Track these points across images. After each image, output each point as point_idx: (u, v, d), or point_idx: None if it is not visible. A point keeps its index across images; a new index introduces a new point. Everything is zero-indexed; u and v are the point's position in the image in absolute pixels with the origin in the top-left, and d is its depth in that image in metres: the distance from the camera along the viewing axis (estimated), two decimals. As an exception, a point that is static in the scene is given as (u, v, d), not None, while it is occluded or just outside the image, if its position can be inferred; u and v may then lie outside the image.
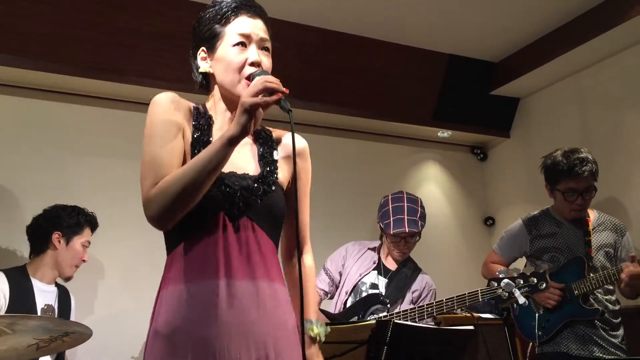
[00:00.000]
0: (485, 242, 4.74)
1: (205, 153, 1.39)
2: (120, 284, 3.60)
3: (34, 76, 3.51)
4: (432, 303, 2.87)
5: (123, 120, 3.79)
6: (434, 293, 3.14)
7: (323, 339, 1.59)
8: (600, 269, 2.93)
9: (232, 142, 1.39)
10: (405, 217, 3.03)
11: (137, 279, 3.54)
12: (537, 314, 2.96)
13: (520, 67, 4.31)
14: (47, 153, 3.59)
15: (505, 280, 2.54)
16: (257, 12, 1.61)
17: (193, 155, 1.49)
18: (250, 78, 1.51)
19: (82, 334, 2.26)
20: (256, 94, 1.38)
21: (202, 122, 1.56)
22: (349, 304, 3.07)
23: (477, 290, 2.72)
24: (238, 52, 1.55)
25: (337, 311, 3.09)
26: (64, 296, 3.03)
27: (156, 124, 1.49)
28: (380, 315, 2.95)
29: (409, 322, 2.78)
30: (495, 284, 2.59)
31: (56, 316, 2.90)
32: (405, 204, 3.08)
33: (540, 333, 2.94)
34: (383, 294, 3.04)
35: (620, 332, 2.97)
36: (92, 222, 3.09)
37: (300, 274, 1.40)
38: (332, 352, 2.16)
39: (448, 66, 4.38)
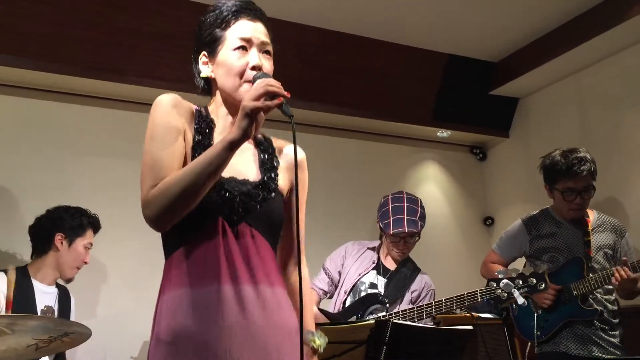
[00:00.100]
0: (485, 242, 4.74)
1: (205, 156, 1.39)
2: (120, 284, 3.60)
3: (34, 76, 3.52)
4: (431, 303, 2.88)
5: (123, 120, 3.79)
6: (433, 293, 3.14)
7: (323, 350, 1.59)
8: (599, 269, 2.93)
9: (232, 146, 1.38)
10: (405, 217, 3.03)
11: (137, 279, 3.54)
12: (535, 314, 2.96)
13: (520, 67, 4.31)
14: (47, 153, 3.60)
15: (505, 281, 2.54)
16: (257, 15, 1.60)
17: (194, 158, 1.48)
18: (249, 83, 1.51)
19: (81, 334, 2.26)
20: (257, 98, 1.37)
21: (203, 126, 1.55)
22: (348, 303, 3.07)
23: (476, 291, 2.73)
24: (239, 56, 1.54)
25: (336, 311, 3.09)
26: (64, 297, 3.03)
27: (158, 125, 1.48)
28: (379, 315, 2.95)
29: (408, 322, 2.78)
30: (495, 285, 2.60)
31: (56, 317, 2.90)
32: (405, 204, 3.08)
33: (538, 333, 2.94)
34: (382, 293, 3.04)
35: (619, 331, 2.98)
36: (94, 224, 3.08)
37: (300, 281, 1.39)
38: (331, 352, 2.16)
39: (447, 66, 4.38)
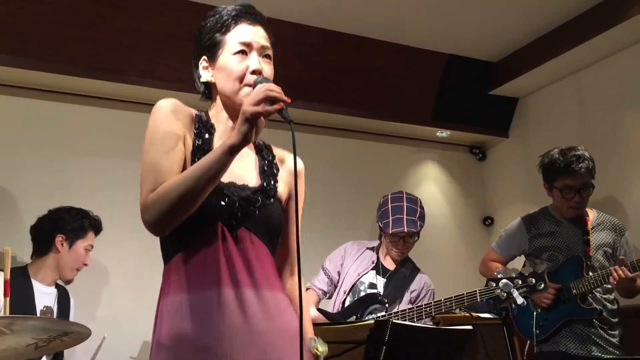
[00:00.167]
0: (484, 241, 4.74)
1: (205, 160, 1.38)
2: (120, 284, 3.61)
3: (34, 76, 3.52)
4: (431, 303, 2.88)
5: (123, 120, 3.79)
6: (432, 293, 3.14)
7: (324, 357, 1.60)
8: (599, 268, 2.94)
9: (232, 151, 1.37)
10: (404, 216, 3.03)
11: (137, 279, 3.54)
12: (535, 313, 2.97)
13: (519, 67, 4.31)
14: (47, 153, 3.60)
15: (504, 281, 2.55)
16: (257, 19, 1.60)
17: (193, 163, 1.48)
18: (249, 87, 1.51)
19: (80, 334, 2.26)
20: (258, 103, 1.36)
21: (203, 131, 1.55)
22: (347, 303, 3.07)
23: (476, 291, 2.73)
24: (239, 61, 1.54)
25: (335, 311, 3.09)
26: (63, 297, 3.03)
27: (157, 130, 1.48)
28: (379, 315, 2.95)
29: (407, 322, 2.79)
30: (494, 284, 2.60)
31: (55, 317, 2.90)
32: (405, 204, 3.08)
33: (538, 332, 2.95)
34: (381, 293, 3.04)
35: (619, 331, 2.98)
36: (96, 226, 3.08)
37: (300, 285, 1.39)
38: (331, 352, 2.16)
39: (447, 66, 4.39)
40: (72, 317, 3.05)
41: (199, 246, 1.45)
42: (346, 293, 3.10)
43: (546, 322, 2.96)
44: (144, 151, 1.47)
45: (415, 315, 2.87)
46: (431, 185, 4.87)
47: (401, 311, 2.92)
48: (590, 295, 2.94)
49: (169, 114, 1.51)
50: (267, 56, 1.58)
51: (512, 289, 2.50)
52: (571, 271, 2.96)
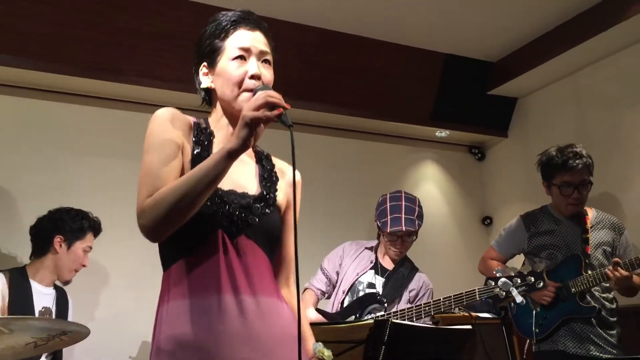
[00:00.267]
0: (483, 241, 4.75)
1: (203, 165, 1.37)
2: (119, 284, 3.61)
3: (34, 76, 3.52)
4: (430, 302, 2.88)
5: (123, 120, 3.80)
6: (431, 292, 3.15)
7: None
8: (598, 266, 2.95)
9: (231, 155, 1.36)
10: (403, 215, 3.03)
11: (137, 279, 3.54)
12: (534, 312, 2.98)
13: (518, 67, 4.32)
14: (47, 153, 3.60)
15: (503, 280, 2.55)
16: (256, 25, 1.60)
17: None
18: (248, 92, 1.51)
19: (79, 333, 2.26)
20: (257, 108, 1.36)
21: (202, 138, 1.55)
22: (346, 303, 3.07)
23: (475, 289, 2.73)
24: (238, 66, 1.54)
25: (334, 311, 3.10)
26: (61, 298, 3.03)
27: (155, 138, 1.48)
28: (378, 314, 2.96)
29: (406, 322, 2.79)
30: (493, 283, 2.60)
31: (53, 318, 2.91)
32: (403, 203, 3.09)
33: (537, 330, 2.96)
34: (380, 293, 3.04)
35: (617, 330, 2.99)
36: (95, 228, 3.08)
37: (298, 289, 1.40)
38: (330, 352, 2.17)
39: (446, 66, 4.40)
40: (71, 318, 3.05)
41: (199, 253, 1.45)
42: (345, 293, 3.10)
43: (545, 320, 2.97)
44: (142, 159, 1.47)
45: (414, 314, 2.87)
46: (430, 185, 4.88)
47: (400, 311, 2.92)
48: (588, 294, 2.95)
49: (167, 122, 1.51)
50: (266, 61, 1.58)
51: (511, 288, 2.50)
52: (570, 269, 2.97)
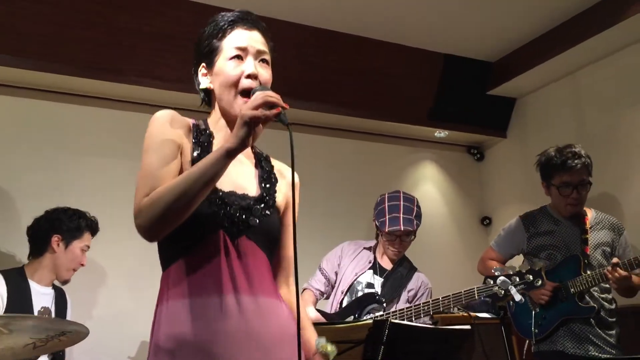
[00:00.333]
0: (482, 241, 4.75)
1: (201, 164, 1.37)
2: (119, 284, 3.61)
3: (34, 76, 3.52)
4: (429, 301, 2.88)
5: (123, 120, 3.80)
6: (430, 291, 3.15)
7: (333, 356, 1.61)
8: (597, 267, 2.95)
9: (230, 154, 1.36)
10: (401, 215, 3.04)
11: (137, 279, 3.54)
12: (533, 312, 2.98)
13: (517, 67, 4.33)
14: (47, 153, 3.60)
15: (502, 278, 2.55)
16: (254, 24, 1.60)
17: None
18: (244, 93, 1.51)
19: (78, 333, 2.26)
20: (256, 107, 1.36)
21: (202, 139, 1.55)
22: (344, 303, 3.07)
23: (474, 288, 2.73)
24: (234, 66, 1.54)
25: (333, 311, 3.10)
26: (60, 298, 3.03)
27: (154, 139, 1.48)
28: (377, 314, 2.96)
29: (405, 322, 2.79)
30: (492, 282, 2.60)
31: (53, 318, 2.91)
32: (402, 203, 3.09)
33: (536, 331, 2.96)
34: (379, 293, 3.05)
35: (616, 330, 2.99)
36: (92, 227, 3.08)
37: (297, 297, 1.40)
38: (329, 351, 2.17)
39: (445, 66, 4.40)
40: (69, 318, 3.05)
41: (200, 253, 1.45)
42: (344, 293, 3.10)
43: (544, 321, 2.98)
44: (142, 159, 1.47)
45: (413, 314, 2.87)
46: (429, 185, 4.88)
47: (399, 310, 2.92)
48: (587, 294, 2.96)
49: (166, 124, 1.51)
50: (264, 61, 1.58)
51: (510, 286, 2.50)
52: (569, 270, 2.98)
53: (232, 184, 1.52)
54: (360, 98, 4.25)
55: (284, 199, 1.65)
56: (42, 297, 2.93)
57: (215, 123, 1.61)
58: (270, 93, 1.41)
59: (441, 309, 2.85)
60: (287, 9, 3.66)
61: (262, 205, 1.54)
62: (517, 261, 3.39)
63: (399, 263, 3.16)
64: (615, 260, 2.83)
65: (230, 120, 1.57)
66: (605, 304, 2.99)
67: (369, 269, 3.15)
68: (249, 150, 1.63)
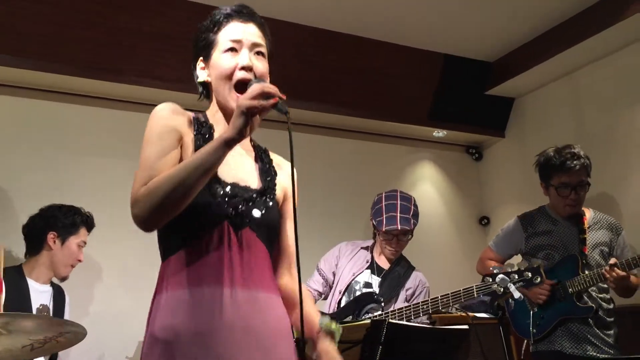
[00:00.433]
0: (480, 241, 4.76)
1: (199, 154, 1.38)
2: (118, 284, 3.61)
3: (34, 76, 3.53)
4: (427, 300, 2.88)
5: (123, 120, 3.80)
6: (428, 290, 3.15)
7: (339, 335, 1.60)
8: (595, 267, 2.96)
9: (227, 144, 1.37)
10: (398, 214, 3.04)
11: (136, 279, 3.54)
12: (531, 312, 2.99)
13: (516, 67, 4.33)
14: (47, 153, 3.60)
15: (500, 276, 2.56)
16: (249, 17, 1.61)
17: None
18: (239, 87, 1.52)
19: (76, 334, 2.26)
20: (253, 98, 1.37)
21: (203, 131, 1.56)
22: (343, 303, 3.08)
23: (472, 287, 2.73)
24: (229, 58, 1.55)
25: (331, 311, 3.10)
26: (58, 295, 3.04)
27: (154, 131, 1.49)
28: (375, 314, 2.97)
29: (404, 322, 2.80)
30: (490, 280, 2.61)
31: (51, 316, 2.91)
32: (399, 202, 3.10)
33: (534, 331, 2.97)
34: (377, 292, 3.05)
35: (614, 330, 3.00)
36: (88, 222, 3.08)
37: (300, 281, 1.41)
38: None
39: (444, 66, 4.41)
40: (67, 315, 3.05)
41: (202, 245, 1.45)
42: (342, 293, 3.11)
43: (543, 321, 2.98)
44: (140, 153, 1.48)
45: (412, 313, 2.87)
46: (427, 185, 4.88)
47: (397, 310, 2.92)
48: (585, 294, 2.96)
49: (167, 115, 1.52)
50: (259, 53, 1.58)
51: (509, 284, 2.51)
52: (567, 270, 2.98)
53: (234, 176, 1.53)
54: (360, 98, 4.26)
55: (282, 192, 1.66)
56: (40, 294, 2.93)
57: (213, 115, 1.62)
58: (268, 84, 1.42)
59: (440, 308, 2.86)
60: (287, 8, 3.68)
61: (264, 197, 1.56)
62: (516, 261, 3.41)
63: (397, 262, 3.17)
64: (613, 260, 2.84)
65: (227, 113, 1.58)
66: (603, 303, 2.99)
67: (367, 268, 3.15)
68: (248, 143, 1.66)
